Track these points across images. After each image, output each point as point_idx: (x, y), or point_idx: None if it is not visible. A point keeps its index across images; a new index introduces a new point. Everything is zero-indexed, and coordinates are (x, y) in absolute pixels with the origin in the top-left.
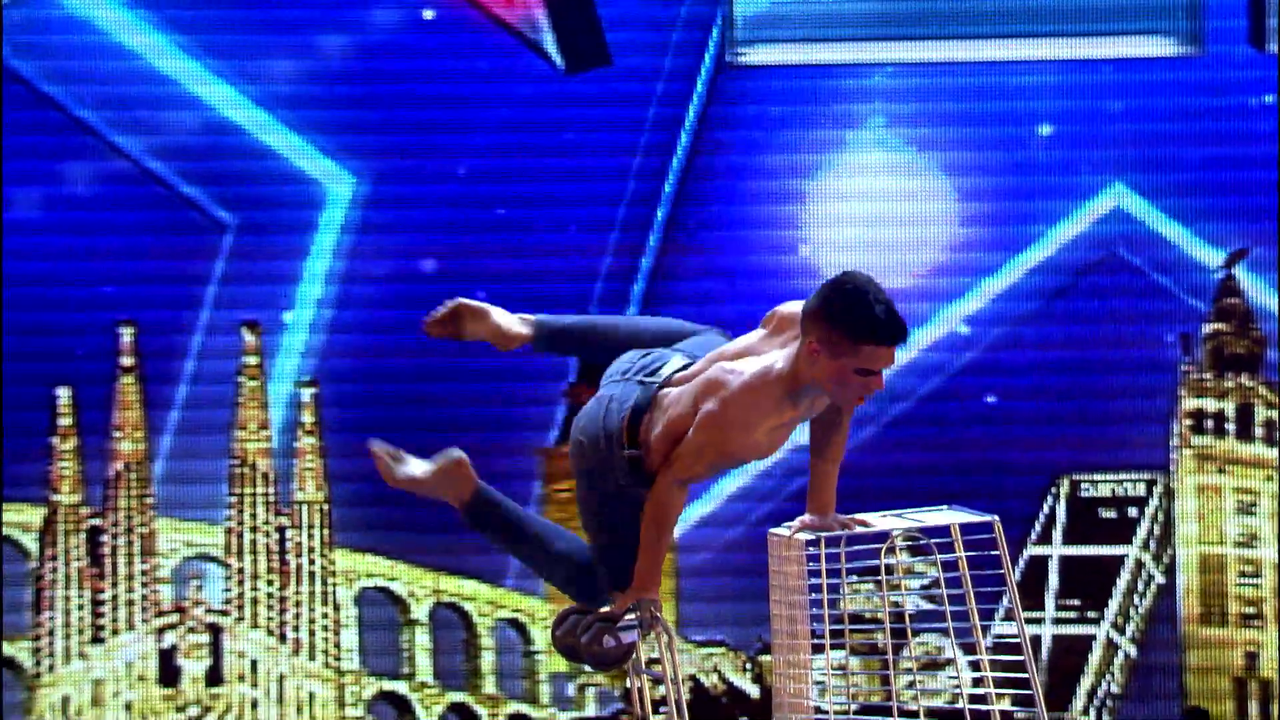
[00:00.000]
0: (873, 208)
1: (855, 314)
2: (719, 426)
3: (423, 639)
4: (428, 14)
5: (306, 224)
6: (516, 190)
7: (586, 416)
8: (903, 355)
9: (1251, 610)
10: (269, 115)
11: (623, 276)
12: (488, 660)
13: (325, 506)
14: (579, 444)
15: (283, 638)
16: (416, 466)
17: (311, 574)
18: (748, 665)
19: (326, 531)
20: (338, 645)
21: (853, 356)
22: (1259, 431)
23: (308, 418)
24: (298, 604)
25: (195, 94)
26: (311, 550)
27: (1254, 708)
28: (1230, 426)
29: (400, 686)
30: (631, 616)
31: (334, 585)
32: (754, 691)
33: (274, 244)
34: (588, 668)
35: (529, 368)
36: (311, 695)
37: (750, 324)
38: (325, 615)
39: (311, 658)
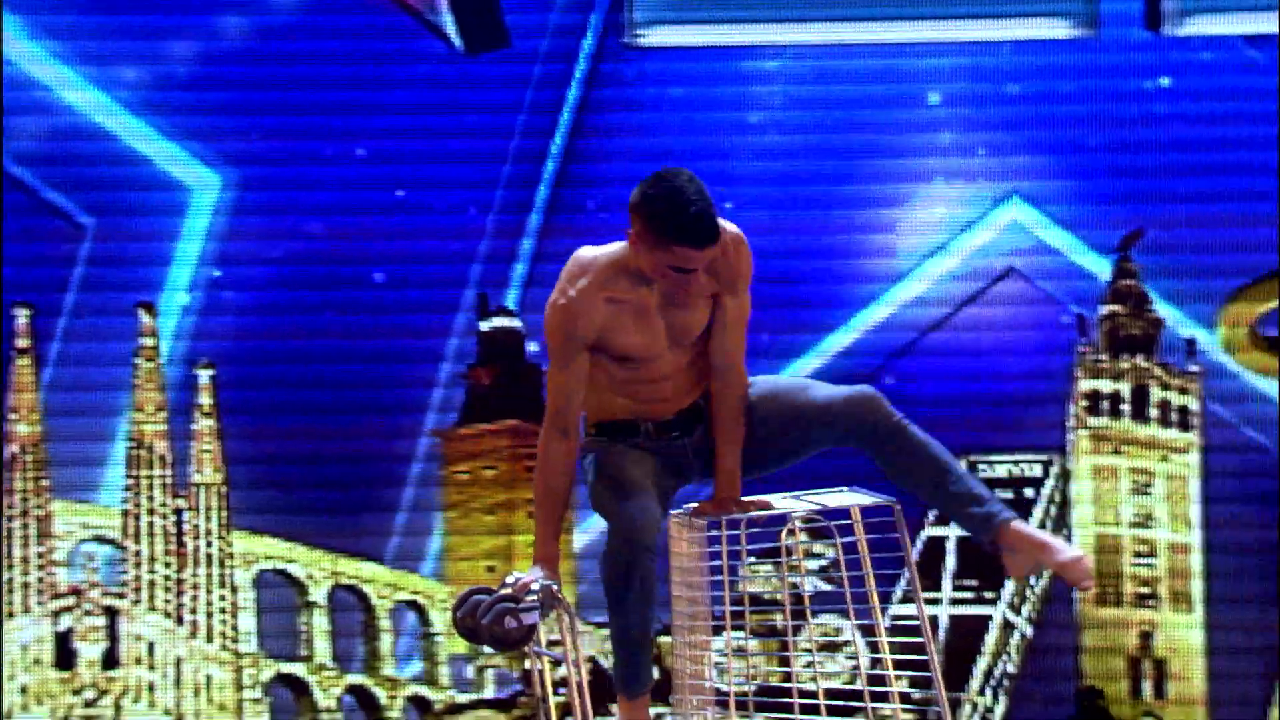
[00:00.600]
0: (769, 191)
1: (668, 212)
2: (551, 304)
3: (321, 621)
4: None
5: (199, 208)
6: (416, 172)
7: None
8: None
9: (1146, 590)
10: (164, 98)
11: (506, 258)
12: (386, 642)
13: (223, 489)
14: None
15: (180, 620)
16: None
17: (209, 557)
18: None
19: (224, 514)
20: (235, 628)
21: (665, 252)
22: (1154, 412)
23: (205, 400)
24: (195, 587)
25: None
26: (209, 533)
27: (1148, 687)
28: (1125, 407)
29: (298, 669)
30: (532, 598)
31: (231, 568)
32: (654, 673)
33: (166, 228)
34: (488, 649)
35: (427, 351)
36: (209, 678)
37: None
38: (223, 598)
39: (209, 640)
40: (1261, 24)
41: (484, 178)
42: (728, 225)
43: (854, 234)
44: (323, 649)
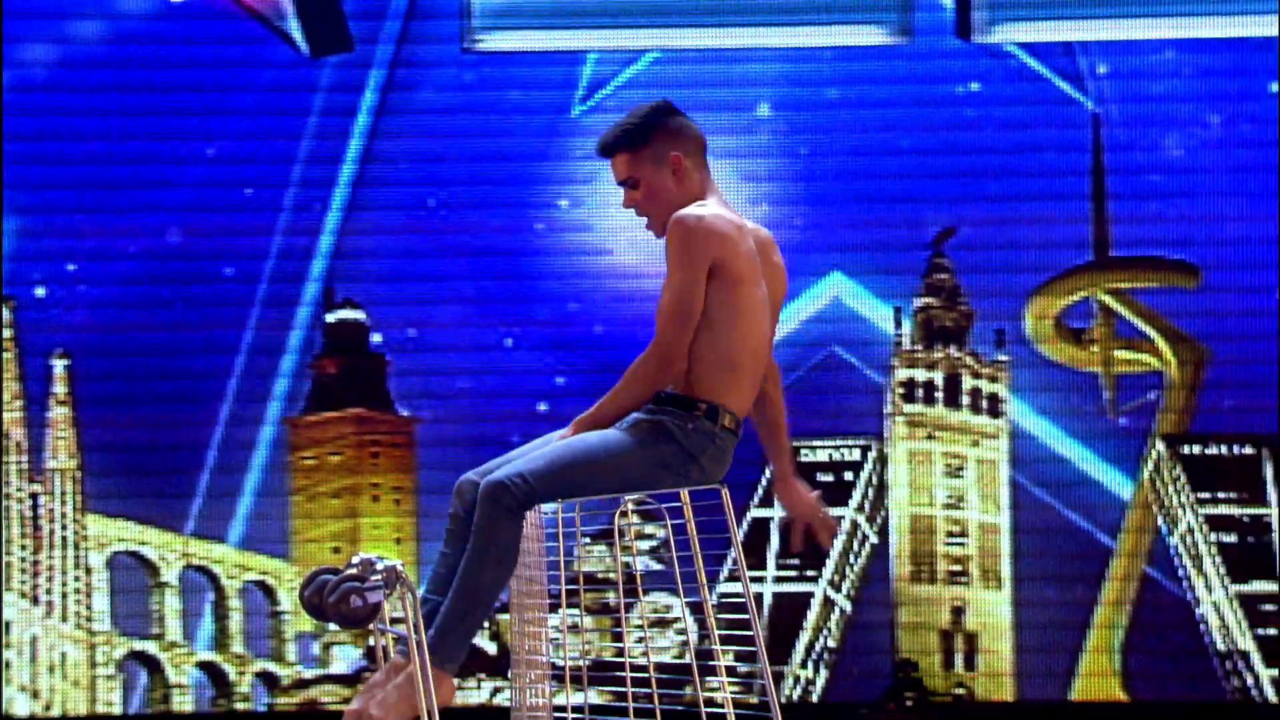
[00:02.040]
0: (591, 190)
1: None
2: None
3: (172, 601)
4: None
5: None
6: (262, 171)
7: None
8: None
9: (958, 568)
10: (24, 101)
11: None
12: (235, 620)
13: (77, 475)
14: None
15: (36, 600)
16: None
17: (64, 539)
18: (486, 624)
19: (79, 499)
20: (89, 607)
21: None
22: (965, 400)
23: (60, 389)
24: (50, 568)
25: None
26: (64, 516)
27: (959, 660)
28: (939, 395)
29: (150, 646)
30: (376, 577)
31: (86, 550)
32: (492, 649)
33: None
34: (334, 626)
35: (274, 342)
36: (64, 655)
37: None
38: (77, 579)
39: (64, 620)
40: (1065, 32)
41: (325, 177)
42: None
43: None
44: (174, 627)
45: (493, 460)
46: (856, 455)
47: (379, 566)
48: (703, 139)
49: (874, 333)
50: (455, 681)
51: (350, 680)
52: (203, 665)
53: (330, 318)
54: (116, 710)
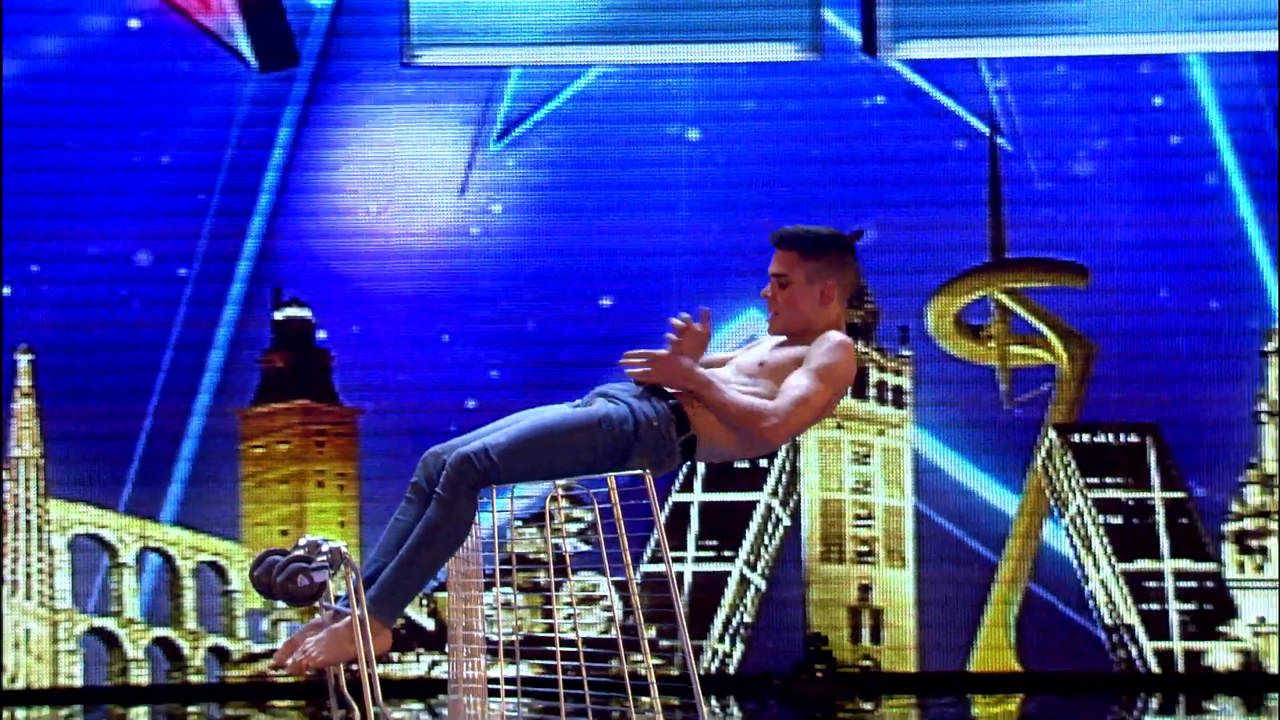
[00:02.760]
0: (531, 198)
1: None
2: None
3: (130, 580)
4: (133, 23)
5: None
6: (215, 179)
7: (615, 417)
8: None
9: (865, 549)
10: None
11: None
12: (189, 599)
13: (41, 462)
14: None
15: (1, 580)
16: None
17: (28, 523)
18: (424, 601)
19: (42, 485)
20: (52, 587)
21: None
22: (872, 392)
23: (24, 382)
24: (15, 550)
25: None
26: (28, 502)
27: (866, 634)
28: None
29: (109, 623)
30: (323, 558)
31: (49, 533)
32: (430, 625)
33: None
34: (282, 604)
35: (226, 338)
36: (28, 631)
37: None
38: (41, 560)
39: (28, 598)
40: (965, 50)
41: (271, 185)
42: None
43: (607, 235)
44: (132, 605)
45: (458, 437)
46: None
47: (324, 548)
48: (858, 283)
49: None
50: (390, 637)
51: None
52: (159, 640)
53: (278, 315)
54: (78, 683)
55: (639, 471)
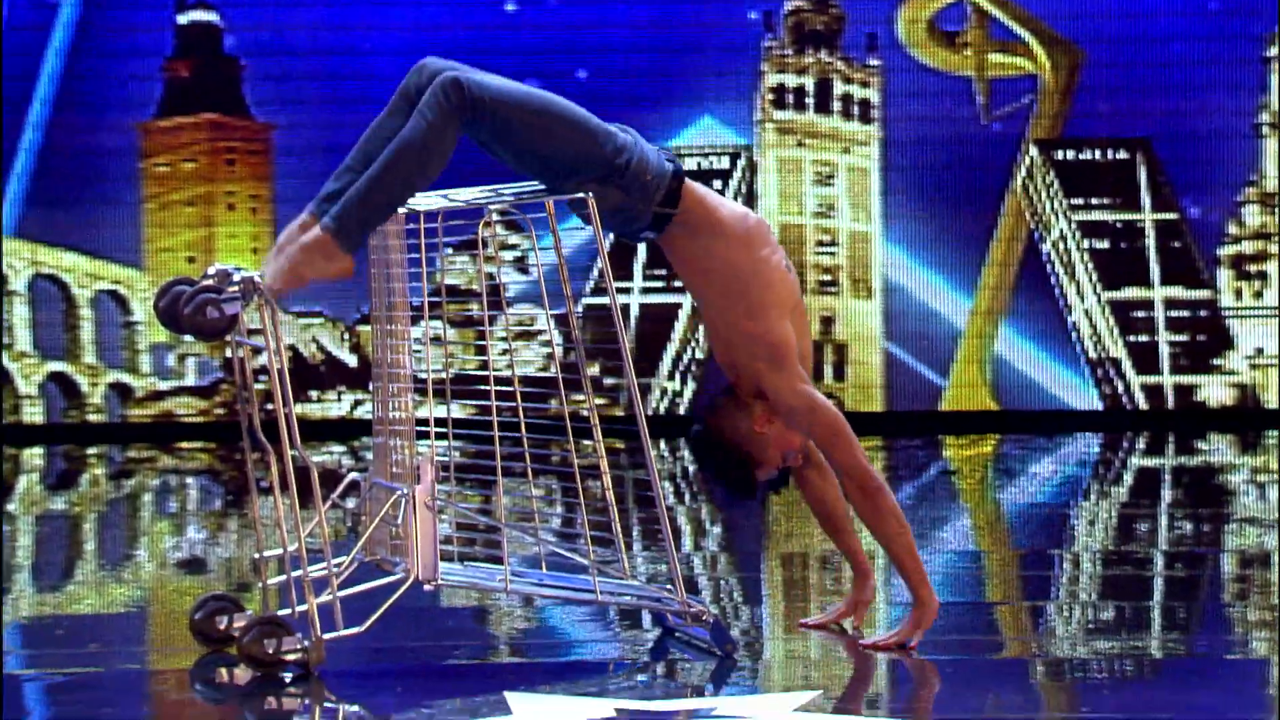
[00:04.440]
0: None
1: None
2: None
3: (21, 310)
4: None
5: None
6: None
7: (619, 143)
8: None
9: (828, 278)
10: None
11: None
12: (87, 330)
13: None
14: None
15: None
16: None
17: None
18: (345, 335)
19: None
20: None
21: None
22: (837, 106)
23: None
24: None
25: None
26: None
27: (829, 370)
28: (810, 101)
29: None
30: (234, 288)
31: None
32: (352, 361)
33: None
34: (189, 338)
35: (122, 47)
36: None
37: None
38: None
39: None
40: None
41: None
42: None
43: None
44: (23, 338)
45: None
46: (725, 163)
47: (236, 277)
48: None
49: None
50: (347, 266)
51: (207, 392)
52: (54, 375)
53: (181, 19)
54: None
55: (579, 195)
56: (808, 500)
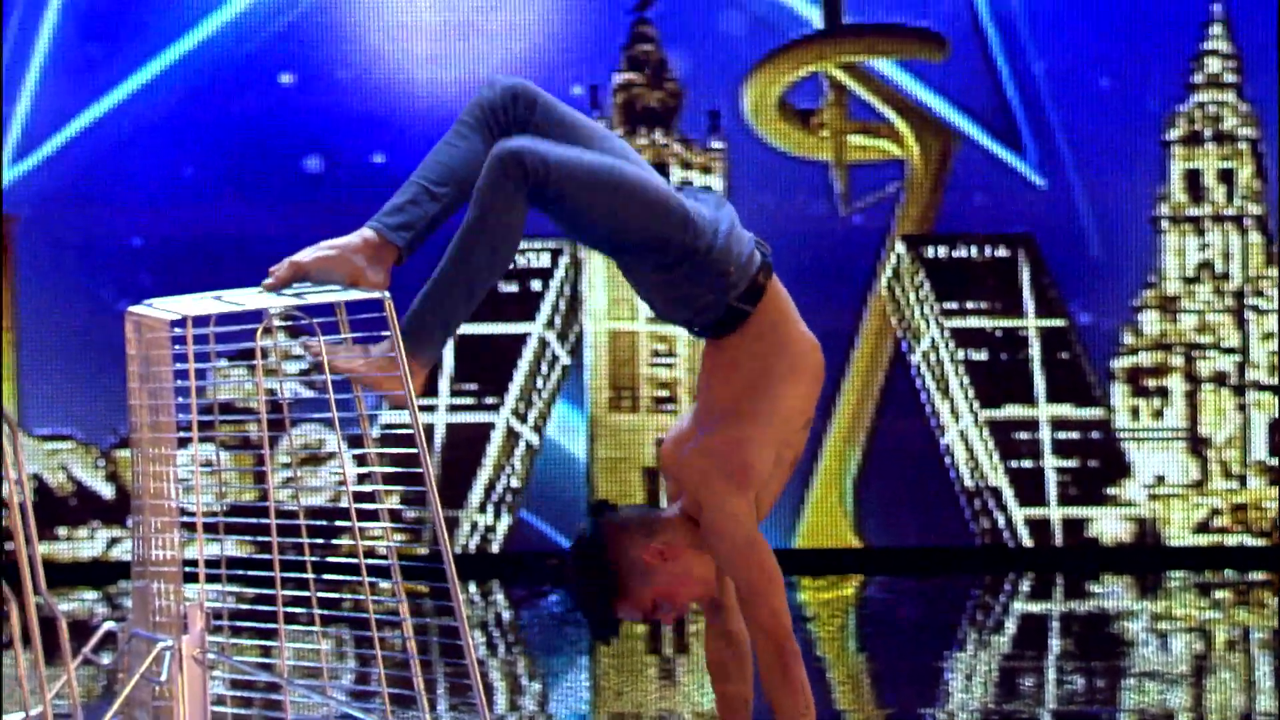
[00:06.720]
0: None
1: None
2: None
3: None
4: None
5: None
6: None
7: (699, 223)
8: None
9: (664, 394)
10: None
11: None
12: None
13: None
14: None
15: None
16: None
17: None
18: (100, 462)
19: None
20: None
21: None
22: None
23: None
24: None
25: None
26: None
27: (664, 501)
28: None
29: None
30: None
31: None
32: (108, 491)
33: None
34: None
35: None
36: None
37: None
38: None
39: None
40: None
41: None
42: None
43: None
44: None
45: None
46: (546, 261)
47: None
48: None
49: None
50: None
51: None
52: None
53: None
54: None
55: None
56: (709, 663)
